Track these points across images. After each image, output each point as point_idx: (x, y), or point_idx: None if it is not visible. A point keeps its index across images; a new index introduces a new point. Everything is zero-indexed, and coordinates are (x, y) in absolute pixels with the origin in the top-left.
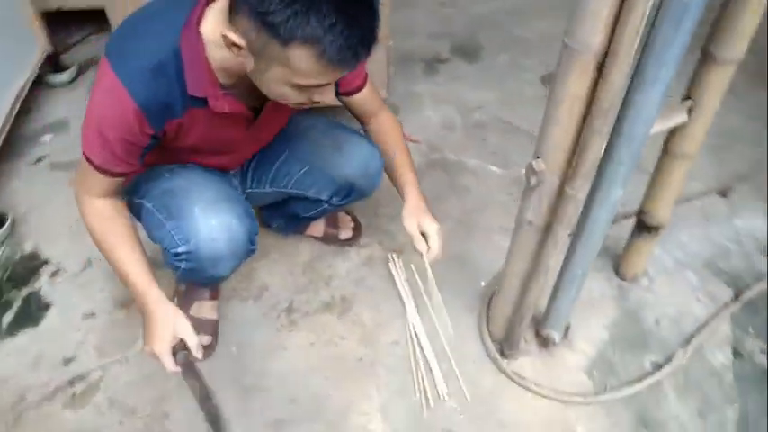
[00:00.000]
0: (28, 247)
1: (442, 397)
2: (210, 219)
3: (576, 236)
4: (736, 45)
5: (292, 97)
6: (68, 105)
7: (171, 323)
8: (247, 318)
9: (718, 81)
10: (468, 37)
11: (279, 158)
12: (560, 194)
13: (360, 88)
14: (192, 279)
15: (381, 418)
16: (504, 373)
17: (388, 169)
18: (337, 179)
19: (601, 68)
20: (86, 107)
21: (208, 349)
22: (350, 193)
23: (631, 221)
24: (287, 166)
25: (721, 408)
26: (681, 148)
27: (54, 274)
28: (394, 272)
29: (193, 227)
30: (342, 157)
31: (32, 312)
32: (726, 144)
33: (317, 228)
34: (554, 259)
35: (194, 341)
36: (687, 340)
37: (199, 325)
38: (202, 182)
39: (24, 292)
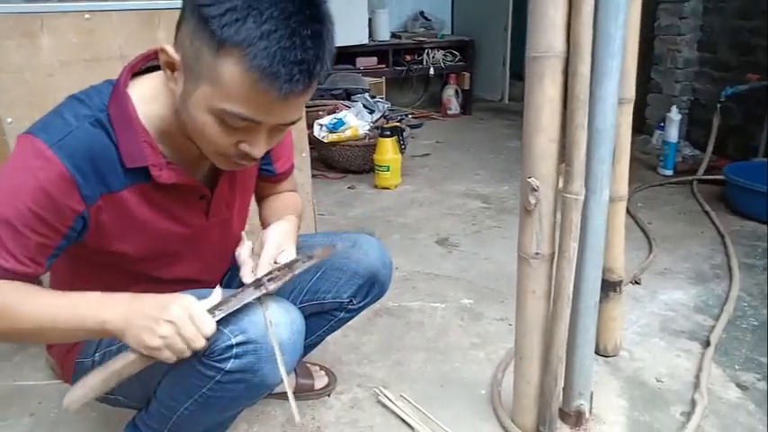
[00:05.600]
0: None
1: None
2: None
3: (579, 259)
4: None
5: (215, 135)
6: None
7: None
8: None
9: None
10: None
11: None
12: (563, 203)
13: (286, 174)
14: (223, 399)
15: None
16: None
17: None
18: (361, 272)
19: (566, 69)
20: None
21: None
22: (371, 288)
23: None
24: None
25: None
26: (614, 192)
27: None
28: (389, 404)
29: (249, 313)
30: (361, 250)
31: None
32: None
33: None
34: (571, 285)
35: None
36: (695, 386)
37: None
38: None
39: None
